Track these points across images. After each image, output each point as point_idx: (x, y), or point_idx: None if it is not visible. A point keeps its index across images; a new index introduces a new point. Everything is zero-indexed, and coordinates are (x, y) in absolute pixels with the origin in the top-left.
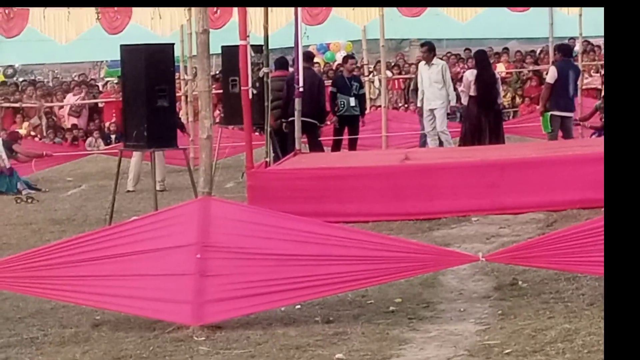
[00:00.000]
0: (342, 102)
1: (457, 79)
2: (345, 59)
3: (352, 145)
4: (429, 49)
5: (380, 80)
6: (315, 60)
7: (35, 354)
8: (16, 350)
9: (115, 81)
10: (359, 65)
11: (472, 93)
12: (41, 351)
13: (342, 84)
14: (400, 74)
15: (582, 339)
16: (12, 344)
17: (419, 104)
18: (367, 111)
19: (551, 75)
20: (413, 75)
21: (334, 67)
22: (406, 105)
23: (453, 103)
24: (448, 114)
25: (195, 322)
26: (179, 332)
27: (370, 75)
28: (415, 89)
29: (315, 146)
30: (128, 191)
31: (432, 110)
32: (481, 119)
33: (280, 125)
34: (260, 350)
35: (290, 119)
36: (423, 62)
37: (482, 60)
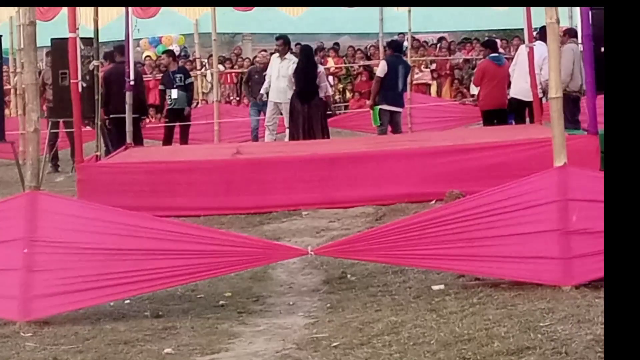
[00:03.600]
0: (168, 97)
1: None
2: (163, 53)
3: (184, 138)
4: (285, 42)
5: (212, 74)
6: (147, 53)
7: None
8: None
9: None
10: (191, 59)
11: (294, 87)
12: None
13: (167, 79)
14: (232, 67)
15: (408, 332)
16: None
17: (264, 97)
18: (200, 105)
19: (381, 69)
20: (245, 69)
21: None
22: (238, 99)
23: None
24: None
25: (22, 318)
26: (5, 328)
27: (203, 69)
28: (247, 81)
29: (138, 140)
30: None
31: (276, 104)
32: (301, 112)
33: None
34: (89, 345)
35: (112, 115)
36: (276, 55)
37: (304, 55)
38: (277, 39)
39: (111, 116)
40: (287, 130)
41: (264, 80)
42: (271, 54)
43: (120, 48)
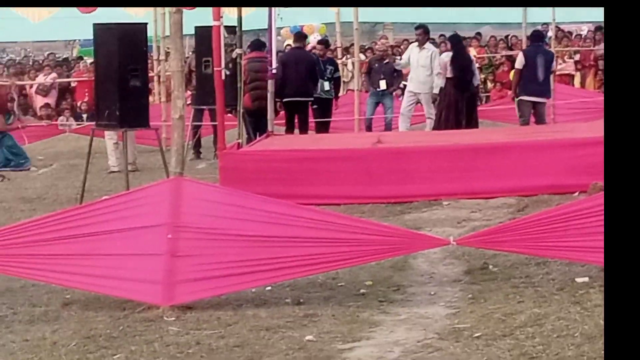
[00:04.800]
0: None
1: None
2: (318, 43)
3: (325, 128)
4: (424, 31)
5: (353, 64)
6: (288, 42)
7: (4, 332)
8: None
9: (89, 60)
10: (332, 48)
11: (448, 75)
12: (10, 329)
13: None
14: None
15: (552, 324)
16: None
17: (381, 85)
18: (341, 94)
19: (519, 61)
20: None
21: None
22: None
23: (435, 90)
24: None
25: (165, 302)
26: (149, 312)
27: (344, 58)
28: (369, 72)
29: (306, 126)
30: (112, 172)
31: (415, 93)
32: (457, 101)
33: (258, 106)
34: (230, 331)
35: (285, 99)
36: (416, 44)
37: (457, 43)
38: (417, 28)
39: (284, 100)
40: (428, 121)
41: (384, 68)
42: (410, 43)
43: (298, 34)
